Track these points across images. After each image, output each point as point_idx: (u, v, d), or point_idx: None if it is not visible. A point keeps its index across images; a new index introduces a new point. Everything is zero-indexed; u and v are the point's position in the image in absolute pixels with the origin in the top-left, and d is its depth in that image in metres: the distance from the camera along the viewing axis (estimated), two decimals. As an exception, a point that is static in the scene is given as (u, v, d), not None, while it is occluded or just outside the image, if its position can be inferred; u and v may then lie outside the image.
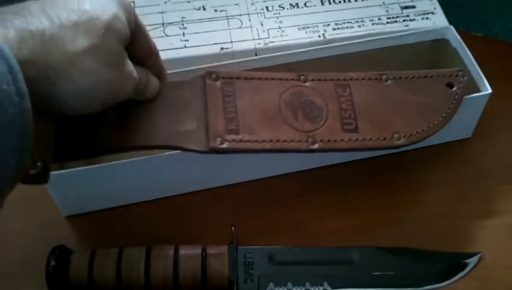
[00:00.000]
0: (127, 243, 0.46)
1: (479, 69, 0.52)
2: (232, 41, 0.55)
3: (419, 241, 0.49)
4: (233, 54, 0.55)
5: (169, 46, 0.55)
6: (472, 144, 0.56)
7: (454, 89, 0.50)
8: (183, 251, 0.45)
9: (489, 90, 0.51)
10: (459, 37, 0.54)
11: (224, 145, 0.45)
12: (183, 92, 0.47)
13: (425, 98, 0.49)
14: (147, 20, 0.56)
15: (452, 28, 0.55)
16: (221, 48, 0.55)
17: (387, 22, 0.57)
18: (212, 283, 0.45)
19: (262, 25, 0.57)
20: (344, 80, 0.49)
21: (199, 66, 0.51)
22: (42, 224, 0.51)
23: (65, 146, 0.41)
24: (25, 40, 0.33)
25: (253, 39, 0.55)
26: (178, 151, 0.45)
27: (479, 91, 0.51)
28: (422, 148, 0.53)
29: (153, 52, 0.44)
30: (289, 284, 0.45)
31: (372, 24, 0.57)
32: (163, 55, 0.53)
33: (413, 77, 0.51)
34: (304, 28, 0.57)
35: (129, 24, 0.39)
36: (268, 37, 0.56)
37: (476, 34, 0.66)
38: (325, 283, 0.45)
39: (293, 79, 0.49)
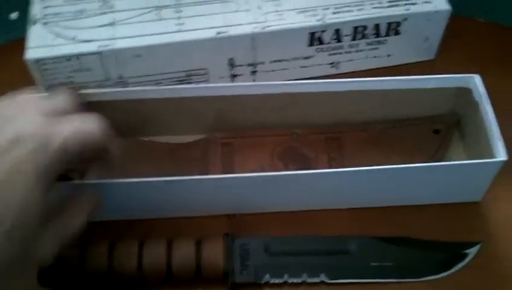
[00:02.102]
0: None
1: (497, 131, 0.46)
2: (228, 26, 0.54)
3: (418, 230, 0.48)
4: (229, 38, 0.53)
5: (163, 30, 0.53)
6: (480, 208, 0.51)
7: (441, 134, 0.53)
8: (177, 242, 0.44)
9: (505, 158, 0.45)
10: (482, 89, 0.49)
11: None
12: (189, 152, 0.53)
13: (412, 144, 0.53)
14: (142, 2, 0.55)
15: (477, 77, 0.50)
16: (218, 32, 0.53)
17: (388, 6, 0.56)
18: (207, 274, 0.44)
19: (260, 8, 0.55)
20: (333, 132, 0.54)
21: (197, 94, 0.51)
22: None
23: None
24: None
25: (250, 23, 0.54)
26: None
27: (492, 155, 0.46)
28: (422, 206, 0.50)
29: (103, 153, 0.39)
30: (286, 276, 0.45)
31: (373, 8, 0.55)
32: (157, 40, 0.52)
33: (401, 124, 0.54)
34: (303, 11, 0.55)
35: (64, 165, 0.34)
36: (266, 21, 0.54)
37: (479, 19, 0.64)
38: (322, 274, 0.45)
39: (285, 135, 0.54)
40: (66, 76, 0.53)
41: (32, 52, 0.51)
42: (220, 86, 0.52)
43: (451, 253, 0.47)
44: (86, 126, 0.35)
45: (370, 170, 0.45)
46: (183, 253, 0.44)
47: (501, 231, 0.49)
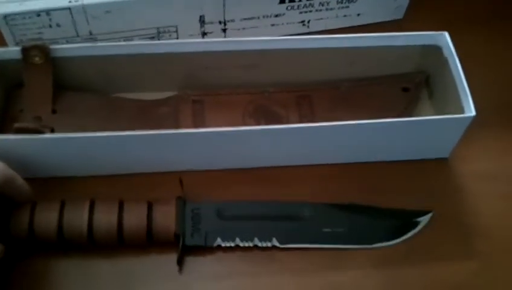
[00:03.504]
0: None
1: (466, 87, 0.47)
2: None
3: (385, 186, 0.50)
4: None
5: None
6: (447, 165, 0.52)
7: (409, 92, 0.54)
8: (128, 205, 0.45)
9: (473, 114, 0.46)
10: (451, 46, 0.50)
11: None
12: (160, 109, 0.53)
13: (381, 102, 0.53)
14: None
15: (446, 34, 0.51)
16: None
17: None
18: (158, 237, 0.45)
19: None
20: (304, 90, 0.54)
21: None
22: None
23: None
24: None
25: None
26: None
27: (462, 110, 0.48)
28: (390, 162, 0.52)
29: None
30: (237, 240, 0.45)
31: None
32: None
33: (371, 82, 0.54)
34: None
35: None
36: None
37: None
38: (274, 239, 0.45)
39: (256, 93, 0.54)
40: (35, 32, 0.53)
41: (0, 7, 0.51)
42: (190, 42, 0.52)
43: (403, 221, 0.48)
44: None
45: (338, 125, 0.46)
46: (134, 217, 0.44)
47: (467, 186, 0.51)
